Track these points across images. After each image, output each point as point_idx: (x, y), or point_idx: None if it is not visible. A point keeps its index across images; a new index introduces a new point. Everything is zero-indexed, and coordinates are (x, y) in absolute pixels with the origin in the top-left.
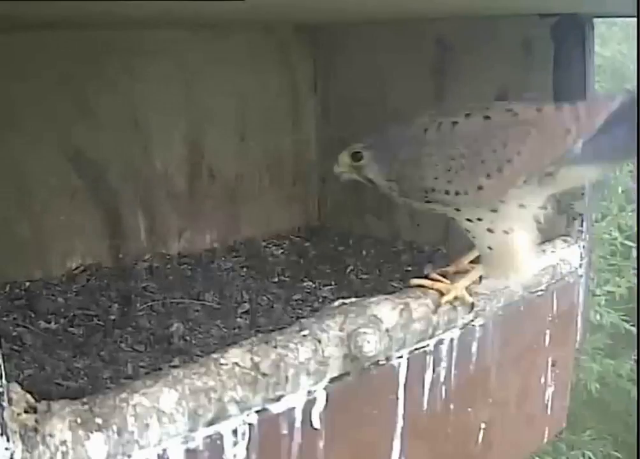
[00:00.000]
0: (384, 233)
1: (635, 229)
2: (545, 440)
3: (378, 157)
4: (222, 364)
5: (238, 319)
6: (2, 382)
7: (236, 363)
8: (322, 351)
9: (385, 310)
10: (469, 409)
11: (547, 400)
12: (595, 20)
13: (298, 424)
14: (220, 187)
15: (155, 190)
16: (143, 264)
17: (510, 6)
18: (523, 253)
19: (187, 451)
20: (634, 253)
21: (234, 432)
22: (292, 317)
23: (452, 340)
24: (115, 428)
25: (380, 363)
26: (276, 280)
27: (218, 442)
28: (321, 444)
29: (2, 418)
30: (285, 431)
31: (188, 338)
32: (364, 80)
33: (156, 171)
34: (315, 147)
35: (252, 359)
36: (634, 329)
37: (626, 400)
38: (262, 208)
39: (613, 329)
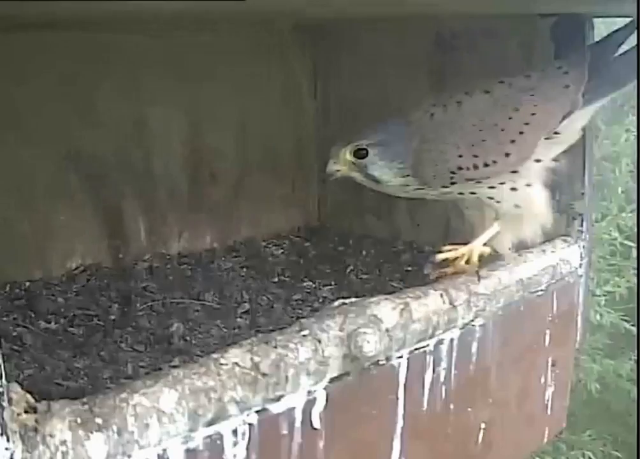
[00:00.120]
0: (384, 233)
1: (635, 229)
2: (545, 440)
3: (386, 154)
4: (222, 364)
5: (238, 319)
6: (2, 382)
7: (236, 363)
8: (322, 351)
9: (385, 310)
10: (469, 409)
11: (547, 400)
12: (595, 20)
13: (298, 424)
14: (220, 187)
15: (155, 190)
16: (143, 264)
17: (510, 6)
18: (545, 203)
19: (187, 451)
20: (634, 253)
21: (234, 432)
22: (292, 317)
23: (452, 340)
24: (115, 428)
25: (380, 363)
26: (276, 280)
27: (218, 442)
28: (321, 443)
29: (2, 418)
30: (285, 431)
31: (188, 338)
32: (364, 80)
33: (156, 171)
34: (315, 147)
35: (252, 359)
36: (634, 329)
37: (626, 400)
38: (262, 208)
39: (613, 329)
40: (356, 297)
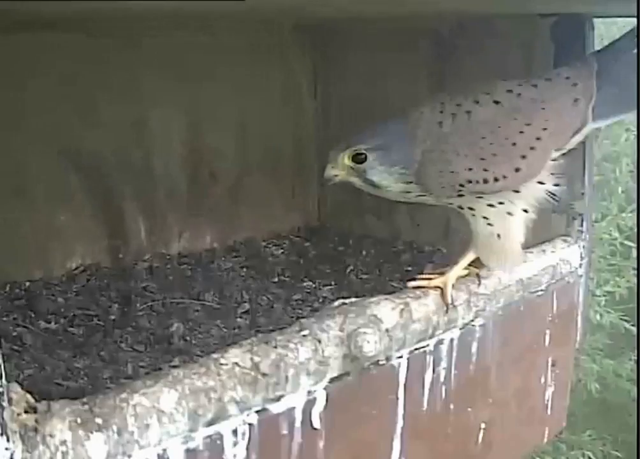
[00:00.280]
0: (384, 233)
1: (635, 229)
2: (545, 440)
3: (386, 158)
4: (222, 364)
5: (238, 319)
6: (2, 382)
7: (236, 363)
8: (322, 351)
9: (385, 310)
10: (469, 409)
11: (547, 400)
12: (595, 20)
13: (298, 424)
14: (220, 187)
15: (155, 190)
16: (143, 264)
17: (510, 6)
18: (520, 240)
19: (187, 451)
20: (634, 253)
21: (234, 432)
22: (292, 317)
23: (452, 340)
24: (115, 428)
25: (380, 363)
26: (276, 280)
27: (218, 442)
28: (321, 443)
29: (2, 418)
30: (285, 431)
31: (188, 338)
32: (364, 80)
33: (156, 171)
34: (315, 147)
35: (252, 359)
36: (634, 329)
37: (626, 400)
38: (262, 208)
39: (613, 329)
40: (356, 297)
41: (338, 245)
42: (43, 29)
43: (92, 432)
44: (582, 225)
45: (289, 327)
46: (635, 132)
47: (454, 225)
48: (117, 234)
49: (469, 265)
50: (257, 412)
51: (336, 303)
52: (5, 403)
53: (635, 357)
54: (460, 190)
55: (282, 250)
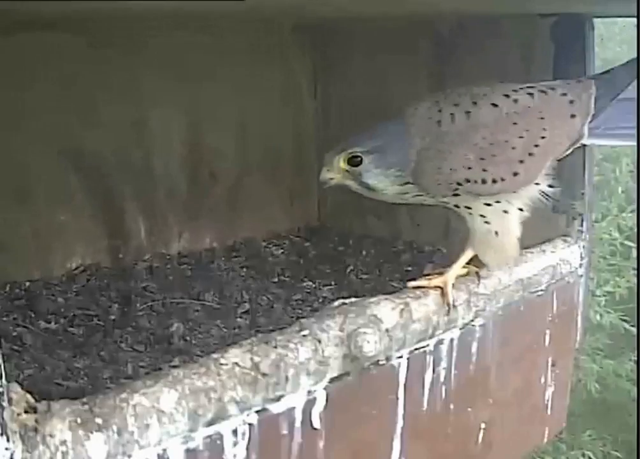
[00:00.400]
0: (384, 232)
1: (635, 229)
2: (545, 440)
3: (382, 161)
4: (222, 364)
5: (238, 319)
6: (2, 382)
7: (236, 363)
8: (322, 351)
9: (385, 310)
10: (469, 409)
11: (547, 400)
12: (595, 20)
13: (298, 424)
14: (220, 187)
15: (155, 190)
16: (143, 264)
17: (510, 6)
18: (517, 237)
19: (187, 451)
20: (634, 253)
21: (234, 432)
22: (292, 317)
23: (452, 340)
24: (115, 428)
25: (380, 363)
26: (276, 280)
27: (218, 442)
28: (321, 443)
29: (2, 418)
30: (285, 431)
31: (188, 338)
32: (364, 80)
33: (156, 171)
34: (315, 147)
35: (252, 359)
36: (634, 330)
37: (626, 400)
38: (262, 208)
39: (613, 330)
40: (356, 297)
41: (338, 245)
42: (43, 29)
43: (92, 432)
44: (582, 225)
45: (289, 327)
46: None
47: (454, 225)
48: (117, 234)
49: (468, 264)
50: (257, 412)
51: (336, 303)
52: (5, 403)
53: (635, 357)
54: (456, 189)
55: (282, 250)
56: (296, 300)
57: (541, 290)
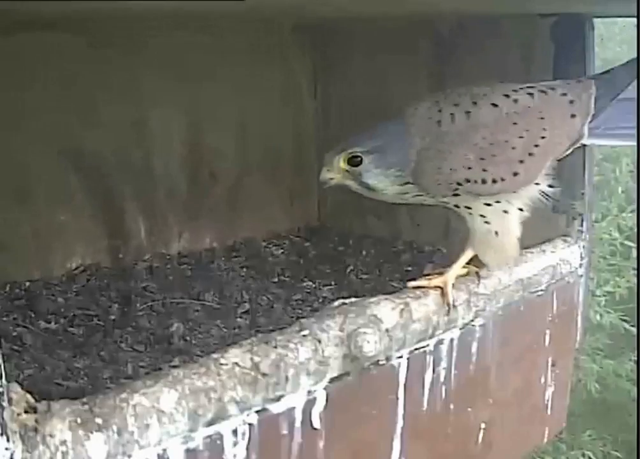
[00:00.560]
0: (384, 232)
1: (635, 229)
2: (545, 440)
3: (382, 161)
4: (222, 364)
5: (238, 319)
6: (2, 382)
7: (236, 363)
8: (322, 351)
9: (385, 310)
10: (469, 409)
11: (547, 400)
12: (595, 20)
13: (298, 424)
14: (220, 187)
15: (155, 190)
16: (143, 264)
17: (510, 6)
18: (517, 237)
19: (187, 451)
20: (634, 253)
21: (234, 432)
22: (292, 317)
23: (452, 340)
24: (115, 428)
25: (380, 363)
26: (276, 280)
27: (218, 442)
28: (321, 443)
29: (2, 418)
30: (285, 431)
31: (188, 338)
32: (364, 80)
33: (156, 171)
34: (315, 147)
35: (252, 359)
36: (634, 330)
37: (626, 400)
38: (262, 208)
39: (613, 330)
40: (356, 297)
41: (338, 245)
42: (43, 29)
43: (92, 432)
44: (582, 225)
45: (289, 327)
46: None
47: (454, 226)
48: (117, 234)
49: (468, 264)
50: (257, 412)
51: (336, 303)
52: (5, 403)
53: (635, 357)
54: (456, 189)
55: (282, 250)
56: (296, 300)
57: (541, 290)
